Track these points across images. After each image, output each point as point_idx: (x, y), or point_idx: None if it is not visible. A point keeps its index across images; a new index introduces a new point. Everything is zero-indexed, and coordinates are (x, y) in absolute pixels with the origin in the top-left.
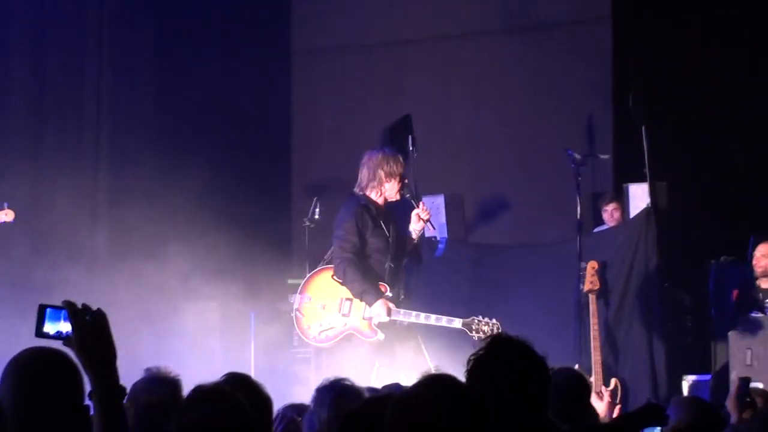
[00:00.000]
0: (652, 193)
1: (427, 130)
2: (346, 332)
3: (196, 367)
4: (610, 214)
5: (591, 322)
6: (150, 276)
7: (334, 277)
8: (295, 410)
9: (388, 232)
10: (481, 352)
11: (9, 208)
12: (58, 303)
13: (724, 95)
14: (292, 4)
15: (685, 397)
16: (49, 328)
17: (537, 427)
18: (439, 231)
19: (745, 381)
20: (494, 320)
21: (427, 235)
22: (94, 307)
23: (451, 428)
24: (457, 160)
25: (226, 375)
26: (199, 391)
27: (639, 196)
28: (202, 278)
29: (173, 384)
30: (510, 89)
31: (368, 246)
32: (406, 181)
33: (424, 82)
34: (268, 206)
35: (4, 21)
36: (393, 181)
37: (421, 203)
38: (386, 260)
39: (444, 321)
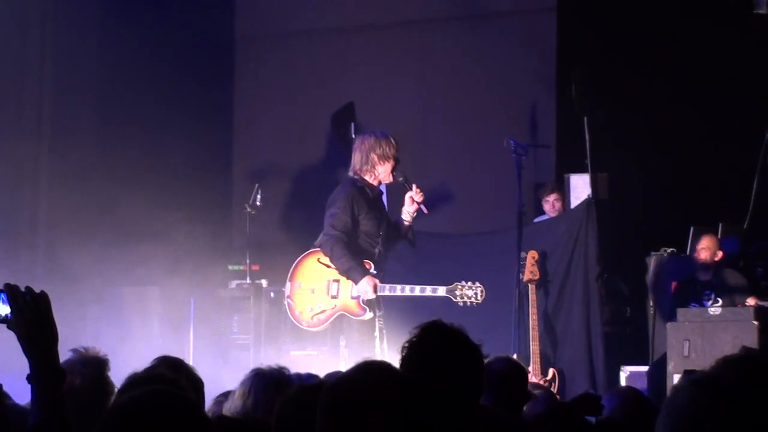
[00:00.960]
0: (593, 184)
1: (371, 117)
2: (336, 313)
3: (134, 352)
4: (551, 204)
5: (530, 311)
6: (89, 259)
7: (322, 252)
8: (222, 395)
9: (381, 216)
10: (414, 339)
11: None
12: None
13: (667, 87)
14: None
15: (621, 388)
16: None
17: (470, 414)
18: None
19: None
20: (477, 283)
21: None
22: (38, 290)
23: (382, 411)
24: (400, 148)
25: (158, 358)
26: (135, 375)
27: (580, 187)
28: (143, 263)
29: (100, 364)
30: (454, 77)
31: (360, 228)
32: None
33: (369, 69)
34: (209, 192)
35: None
36: (386, 163)
37: (413, 186)
38: (376, 245)
39: (428, 290)
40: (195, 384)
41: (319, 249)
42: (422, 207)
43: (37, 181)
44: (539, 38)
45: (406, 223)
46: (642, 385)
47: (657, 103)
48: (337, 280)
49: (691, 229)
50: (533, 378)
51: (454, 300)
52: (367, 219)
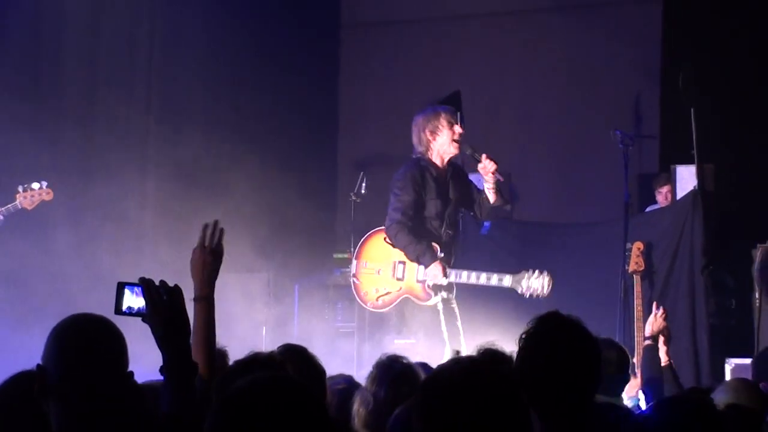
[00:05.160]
0: (700, 175)
1: (476, 107)
2: (401, 296)
3: (241, 340)
4: (664, 195)
5: (635, 302)
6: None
7: (386, 239)
8: (340, 380)
9: (448, 197)
10: (531, 331)
11: (48, 187)
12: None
13: None
14: None
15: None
16: (127, 304)
17: (587, 407)
18: None
19: None
20: (545, 272)
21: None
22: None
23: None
24: (504, 138)
25: (282, 346)
26: (249, 359)
27: (686, 178)
28: (249, 251)
29: (221, 356)
30: (558, 67)
31: (426, 210)
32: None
33: (473, 58)
34: (314, 180)
35: None
36: (440, 134)
37: (483, 156)
38: (442, 227)
39: (494, 279)
40: (317, 373)
41: (381, 228)
42: (497, 176)
43: (144, 177)
44: (644, 28)
45: (491, 198)
46: (746, 377)
47: (764, 93)
48: (403, 262)
49: None
50: (637, 368)
51: (520, 291)
52: (432, 200)
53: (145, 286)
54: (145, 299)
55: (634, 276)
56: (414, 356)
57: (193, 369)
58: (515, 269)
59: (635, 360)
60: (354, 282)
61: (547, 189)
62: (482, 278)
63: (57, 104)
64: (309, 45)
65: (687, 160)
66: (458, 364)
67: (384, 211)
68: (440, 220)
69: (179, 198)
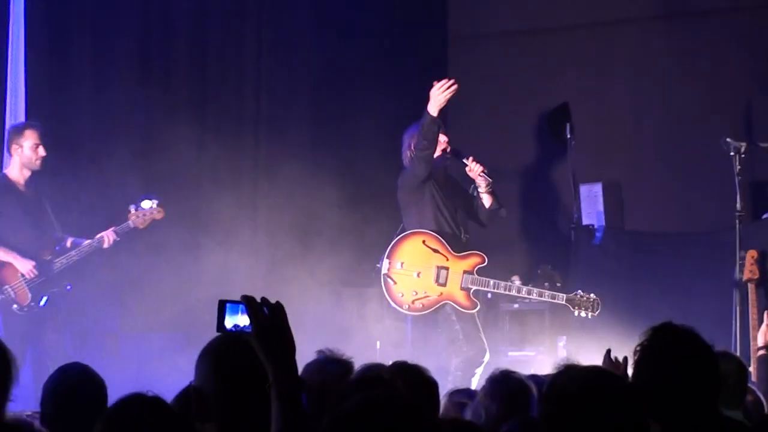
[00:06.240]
0: None
1: (585, 117)
2: (442, 301)
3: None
4: None
5: (750, 311)
6: (310, 258)
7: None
8: (462, 395)
9: (451, 202)
10: (646, 342)
11: (159, 205)
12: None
13: None
14: None
15: None
16: (229, 322)
17: (707, 418)
18: (596, 219)
19: None
20: (593, 295)
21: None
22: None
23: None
24: (614, 148)
25: (393, 363)
26: (359, 377)
27: None
28: (366, 265)
29: (346, 365)
30: (667, 76)
31: (438, 213)
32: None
33: (581, 68)
34: None
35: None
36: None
37: (469, 158)
38: (460, 232)
39: (547, 296)
40: (428, 388)
41: (424, 231)
42: (486, 177)
43: (255, 192)
44: (755, 35)
45: (486, 202)
46: None
47: None
48: (446, 268)
49: None
50: (754, 378)
51: (572, 310)
52: (438, 208)
53: (248, 304)
54: (248, 317)
55: (749, 285)
56: (528, 369)
57: (299, 384)
58: (627, 279)
59: (751, 370)
60: (386, 281)
61: (657, 198)
62: (534, 293)
63: (167, 122)
64: (416, 57)
65: None
66: (583, 374)
67: (497, 223)
68: (456, 223)
69: (288, 217)
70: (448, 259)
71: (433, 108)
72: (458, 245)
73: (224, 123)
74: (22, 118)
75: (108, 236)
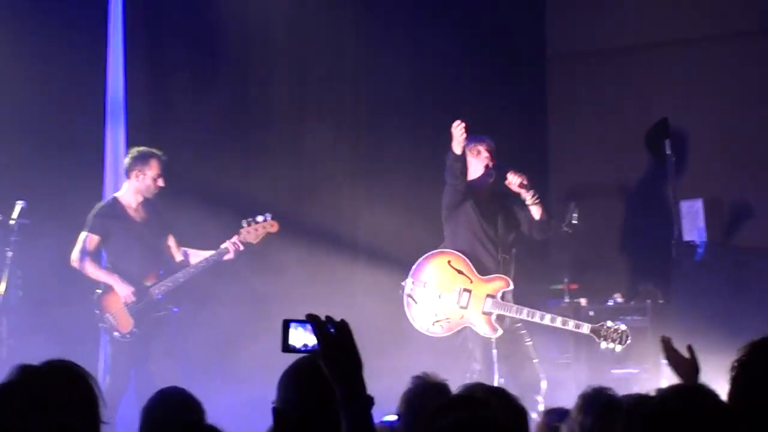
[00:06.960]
0: None
1: (685, 133)
2: (462, 325)
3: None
4: None
5: None
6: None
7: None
8: (556, 415)
9: (495, 219)
10: (744, 358)
11: (273, 219)
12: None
13: None
14: (547, 9)
15: None
16: (295, 341)
17: None
18: (697, 235)
19: None
20: (622, 326)
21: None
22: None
23: None
24: (715, 163)
25: (474, 383)
26: (452, 398)
27: None
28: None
29: (444, 389)
30: (764, 91)
31: (476, 232)
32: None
33: (680, 83)
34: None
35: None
36: (470, 162)
37: (509, 173)
38: (497, 252)
39: (571, 324)
40: (517, 412)
41: (450, 251)
42: (526, 188)
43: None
44: None
45: (536, 214)
46: None
47: None
48: (469, 291)
49: None
50: None
51: (597, 341)
52: (476, 222)
53: (314, 323)
54: (315, 336)
55: None
56: (631, 387)
57: (369, 403)
58: (729, 295)
59: None
60: (408, 301)
61: (759, 213)
62: (558, 321)
63: (266, 136)
64: (515, 75)
65: None
66: (680, 393)
67: (597, 241)
68: (493, 243)
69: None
70: (471, 282)
71: (457, 146)
72: (491, 266)
73: (323, 133)
74: (121, 126)
75: (233, 245)
